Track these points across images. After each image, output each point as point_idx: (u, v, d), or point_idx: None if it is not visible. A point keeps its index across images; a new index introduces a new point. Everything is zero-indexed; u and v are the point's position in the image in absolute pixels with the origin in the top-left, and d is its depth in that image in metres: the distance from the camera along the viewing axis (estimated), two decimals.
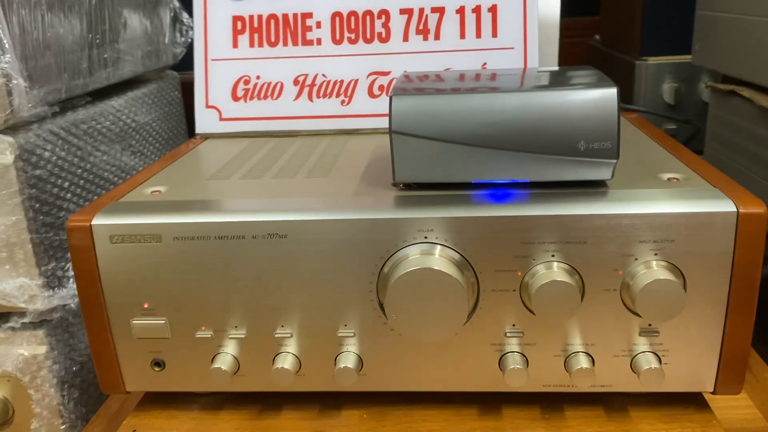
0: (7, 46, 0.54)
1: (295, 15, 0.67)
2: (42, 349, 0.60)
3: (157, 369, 0.49)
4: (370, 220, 0.44)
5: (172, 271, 0.46)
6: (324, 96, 0.67)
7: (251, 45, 0.68)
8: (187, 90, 0.76)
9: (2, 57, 0.54)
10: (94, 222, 0.46)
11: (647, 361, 0.45)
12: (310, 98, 0.67)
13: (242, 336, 0.47)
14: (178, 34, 0.93)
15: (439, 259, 0.43)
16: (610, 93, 0.44)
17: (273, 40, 0.68)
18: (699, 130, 0.80)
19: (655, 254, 0.43)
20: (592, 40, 1.41)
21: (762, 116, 0.78)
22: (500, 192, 0.46)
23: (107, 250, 0.46)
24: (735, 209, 0.42)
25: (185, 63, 0.81)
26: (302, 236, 0.45)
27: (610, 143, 0.44)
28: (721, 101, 0.90)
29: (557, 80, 0.48)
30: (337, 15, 0.67)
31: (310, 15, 0.67)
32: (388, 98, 0.46)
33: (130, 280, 0.46)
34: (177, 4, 0.92)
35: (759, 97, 0.78)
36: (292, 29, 0.67)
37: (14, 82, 0.55)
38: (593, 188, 0.46)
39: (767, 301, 0.59)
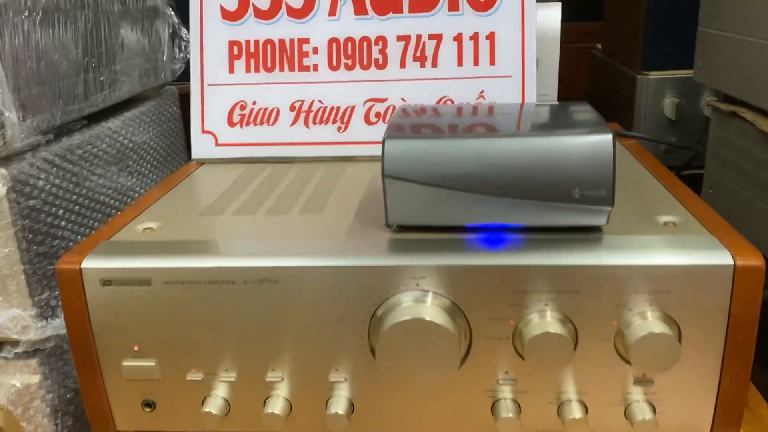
0: None
1: (291, 40, 0.67)
2: (35, 379, 0.60)
3: (147, 410, 0.49)
4: (363, 267, 0.44)
5: (162, 314, 0.46)
6: (320, 122, 0.66)
7: (248, 70, 0.67)
8: (186, 102, 0.75)
9: None
10: (84, 265, 0.45)
11: (641, 412, 0.44)
12: (307, 124, 0.67)
13: (233, 379, 0.47)
14: (176, 50, 0.92)
15: (431, 308, 0.43)
16: (606, 140, 0.43)
17: (269, 65, 0.67)
18: (698, 153, 0.79)
19: (650, 305, 0.43)
20: (594, 50, 1.40)
21: (763, 140, 0.77)
22: (494, 237, 0.46)
23: (97, 292, 0.46)
24: (732, 262, 0.41)
25: (184, 73, 0.80)
26: (293, 282, 0.44)
27: (605, 191, 0.43)
28: (722, 121, 0.90)
29: (553, 123, 0.48)
30: (333, 41, 0.66)
31: (306, 41, 0.66)
32: (382, 140, 0.45)
33: (121, 322, 0.46)
34: (176, 19, 0.91)
35: (761, 121, 0.77)
36: (288, 55, 0.67)
37: (6, 114, 0.54)
38: (588, 234, 0.45)
39: (766, 326, 0.58)
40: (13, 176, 0.56)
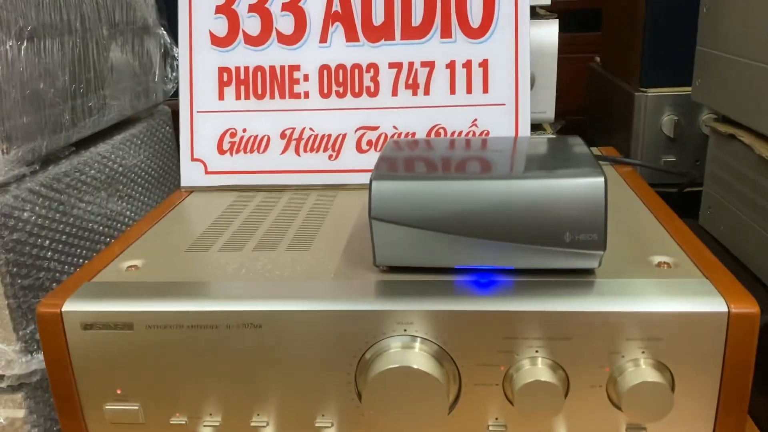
0: None
1: (282, 67, 0.66)
2: (20, 413, 0.59)
3: None
4: (349, 311, 0.43)
5: (145, 358, 0.45)
6: (311, 150, 0.66)
7: (237, 97, 0.66)
8: (179, 120, 0.73)
9: None
10: (65, 309, 0.44)
11: None
12: (297, 152, 0.66)
13: (217, 424, 0.46)
14: (168, 69, 0.91)
15: (419, 355, 0.42)
16: (597, 183, 0.42)
17: (260, 92, 0.66)
18: (696, 178, 0.78)
19: (643, 352, 0.42)
20: (592, 62, 1.39)
21: (760, 165, 0.76)
22: (484, 279, 0.45)
23: (79, 336, 0.45)
24: (726, 309, 0.40)
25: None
26: (278, 326, 0.43)
27: (597, 235, 0.42)
28: (720, 142, 0.89)
29: (545, 163, 0.47)
30: (325, 68, 0.65)
31: (297, 68, 0.65)
32: (368, 182, 0.44)
33: (103, 366, 0.45)
34: (168, 39, 0.91)
35: (758, 145, 0.76)
36: (279, 82, 0.66)
37: None
38: (580, 277, 0.44)
39: (765, 351, 0.57)
40: None
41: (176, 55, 0.91)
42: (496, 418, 0.44)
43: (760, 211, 0.76)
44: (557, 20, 0.83)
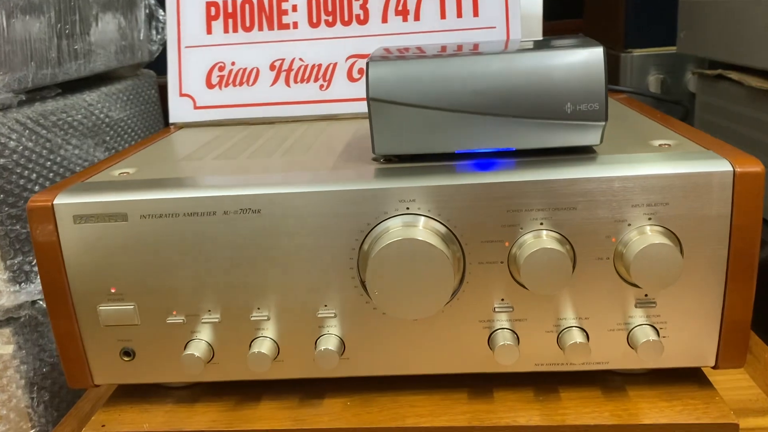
0: None
1: None
2: (9, 349, 0.57)
3: (126, 359, 0.46)
4: (348, 191, 0.42)
5: (139, 252, 0.43)
6: (302, 81, 0.65)
7: (225, 31, 0.66)
8: (166, 92, 0.73)
9: None
10: (56, 201, 0.43)
11: (645, 334, 0.42)
12: (288, 83, 0.65)
13: (216, 320, 0.45)
14: (153, 31, 0.91)
15: (423, 231, 0.41)
16: (596, 53, 0.42)
17: (248, 25, 0.65)
18: (688, 111, 0.79)
19: (649, 219, 0.41)
20: None
21: (751, 97, 0.77)
22: (485, 161, 0.44)
23: (70, 231, 0.43)
24: (731, 168, 0.40)
25: (164, 67, 0.79)
26: (277, 210, 0.42)
27: (598, 104, 0.42)
28: (708, 87, 0.89)
29: (542, 44, 0.46)
30: None
31: None
32: (365, 64, 0.43)
33: (96, 263, 0.44)
34: (152, 0, 0.90)
35: (747, 78, 0.76)
36: (267, 13, 0.65)
37: None
38: (582, 154, 0.44)
39: (764, 288, 0.57)
40: None
41: (161, 17, 0.91)
42: (502, 299, 0.43)
43: (752, 146, 0.76)
44: None
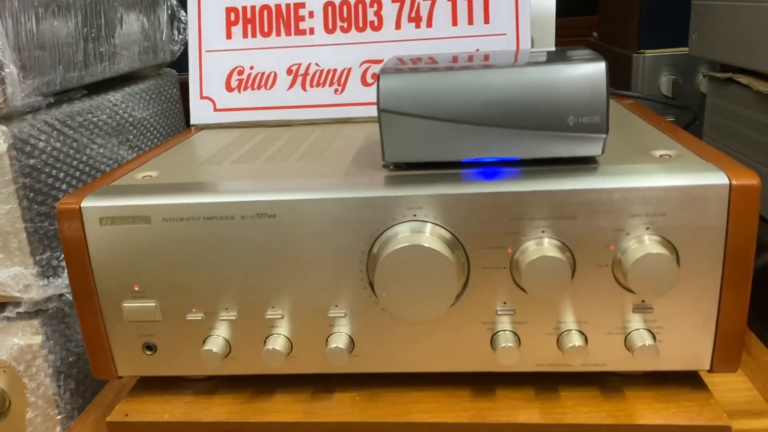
0: None
1: (287, 5, 0.67)
2: (37, 339, 0.60)
3: (148, 353, 0.49)
4: (359, 198, 0.44)
5: (161, 253, 0.46)
6: (317, 85, 0.67)
7: (244, 36, 0.68)
8: (186, 90, 0.76)
9: None
10: (84, 204, 0.46)
11: (641, 338, 0.44)
12: (304, 87, 0.67)
13: (233, 318, 0.47)
14: (175, 32, 0.93)
15: (429, 237, 0.43)
16: (599, 67, 0.43)
17: (266, 30, 0.68)
18: (696, 117, 0.80)
19: (647, 228, 0.43)
20: (590, 38, 1.41)
21: (760, 102, 0.78)
22: (490, 170, 0.46)
23: (97, 232, 0.46)
24: (727, 181, 0.42)
25: (185, 65, 0.81)
26: (291, 215, 0.45)
27: (599, 117, 0.44)
28: (718, 90, 0.90)
29: (547, 57, 0.48)
30: (329, 4, 0.67)
31: (302, 5, 0.67)
32: (377, 76, 0.45)
33: (120, 262, 0.46)
34: (174, 1, 0.92)
35: (757, 83, 0.77)
36: (284, 19, 0.67)
37: (7, 70, 0.55)
38: (584, 165, 0.45)
39: (765, 291, 0.58)
40: (14, 134, 0.57)
41: (183, 18, 0.93)
42: (505, 303, 0.45)
43: (762, 150, 0.77)
44: None
